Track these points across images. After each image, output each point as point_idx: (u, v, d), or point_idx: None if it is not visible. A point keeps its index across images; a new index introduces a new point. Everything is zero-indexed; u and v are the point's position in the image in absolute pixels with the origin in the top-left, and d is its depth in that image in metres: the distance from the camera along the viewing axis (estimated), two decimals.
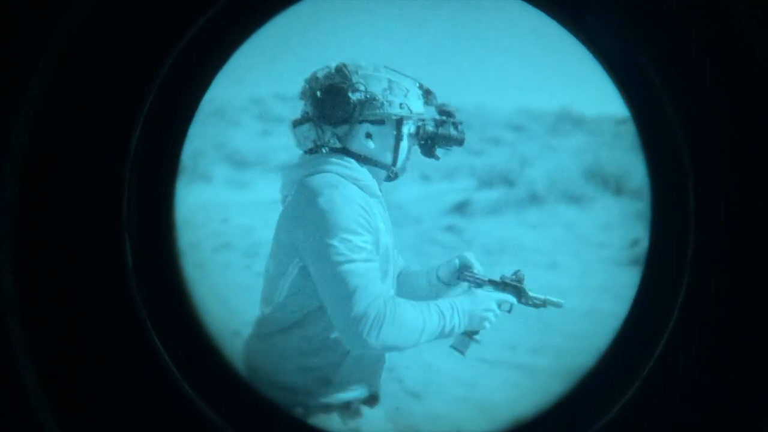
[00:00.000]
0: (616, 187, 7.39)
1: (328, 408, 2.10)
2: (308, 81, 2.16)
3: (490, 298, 2.19)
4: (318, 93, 2.12)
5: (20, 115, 1.71)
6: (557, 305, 2.30)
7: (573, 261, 5.94)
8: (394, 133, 2.15)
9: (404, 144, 2.17)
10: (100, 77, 1.79)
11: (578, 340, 4.60)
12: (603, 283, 5.42)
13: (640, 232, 6.40)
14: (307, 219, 2.01)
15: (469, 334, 2.18)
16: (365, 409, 2.18)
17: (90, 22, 1.73)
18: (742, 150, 1.76)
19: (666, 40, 1.77)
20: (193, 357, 1.93)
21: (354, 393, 2.15)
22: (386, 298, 1.99)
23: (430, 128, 2.19)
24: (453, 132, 2.21)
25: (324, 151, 2.13)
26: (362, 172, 2.11)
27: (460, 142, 2.22)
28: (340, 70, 2.13)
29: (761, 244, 1.77)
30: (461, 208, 6.90)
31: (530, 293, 2.25)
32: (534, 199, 7.28)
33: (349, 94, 2.09)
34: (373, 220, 2.05)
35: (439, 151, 2.22)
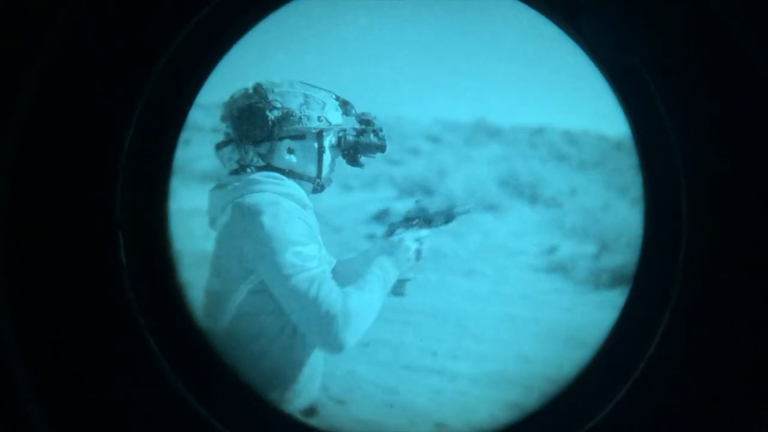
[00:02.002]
0: (531, 195, 7.55)
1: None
2: (227, 104, 2.20)
3: (401, 239, 2.28)
4: (236, 114, 2.16)
5: (13, 114, 1.67)
6: (465, 212, 2.42)
7: (490, 268, 6.04)
8: (315, 146, 2.20)
9: (327, 156, 2.21)
10: (94, 77, 1.76)
11: (497, 345, 4.68)
12: (520, 290, 5.52)
13: (556, 239, 6.55)
14: (254, 239, 2.06)
15: (402, 280, 2.30)
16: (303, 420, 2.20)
17: (83, 23, 1.70)
18: (736, 152, 1.79)
19: (659, 41, 1.80)
20: (186, 355, 1.90)
21: (296, 404, 2.18)
22: (342, 298, 2.07)
23: (351, 138, 2.24)
24: (374, 139, 2.27)
25: (249, 170, 2.14)
26: (293, 187, 2.15)
27: (382, 149, 2.28)
28: (257, 90, 2.17)
29: (754, 249, 1.80)
30: (381, 216, 6.94)
31: (435, 211, 2.36)
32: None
33: (267, 113, 2.14)
34: (314, 229, 2.12)
35: (363, 159, 2.26)
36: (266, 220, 2.05)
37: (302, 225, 2.08)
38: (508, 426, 2.06)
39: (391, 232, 2.31)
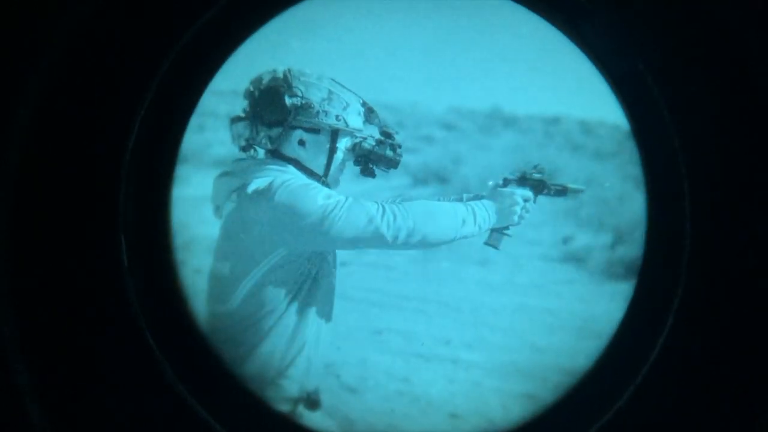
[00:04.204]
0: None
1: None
2: (252, 81, 2.17)
3: (512, 192, 2.27)
4: (256, 93, 2.15)
5: (17, 115, 1.67)
6: (578, 191, 2.41)
7: (504, 257, 6.02)
8: (328, 144, 2.17)
9: (338, 157, 2.18)
10: (97, 80, 1.76)
11: (510, 335, 4.67)
12: (534, 279, 5.51)
13: (571, 229, 6.52)
14: (276, 215, 2.06)
15: (500, 230, 2.28)
16: (306, 412, 2.19)
17: (87, 25, 1.71)
18: (738, 156, 1.80)
19: (663, 47, 1.80)
20: (187, 357, 1.92)
21: (297, 391, 2.17)
22: (384, 203, 2.09)
23: (366, 146, 2.21)
24: (389, 153, 2.23)
25: (257, 150, 2.15)
26: (299, 175, 2.14)
27: (395, 165, 2.24)
28: (284, 74, 2.15)
29: (757, 249, 1.80)
30: None
31: (550, 182, 2.35)
32: None
33: (286, 98, 2.12)
34: None
35: (376, 171, 2.24)
36: (282, 194, 2.06)
37: (312, 182, 2.11)
38: (524, 418, 2.05)
39: (504, 185, 2.30)
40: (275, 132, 2.14)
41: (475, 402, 3.74)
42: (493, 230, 2.30)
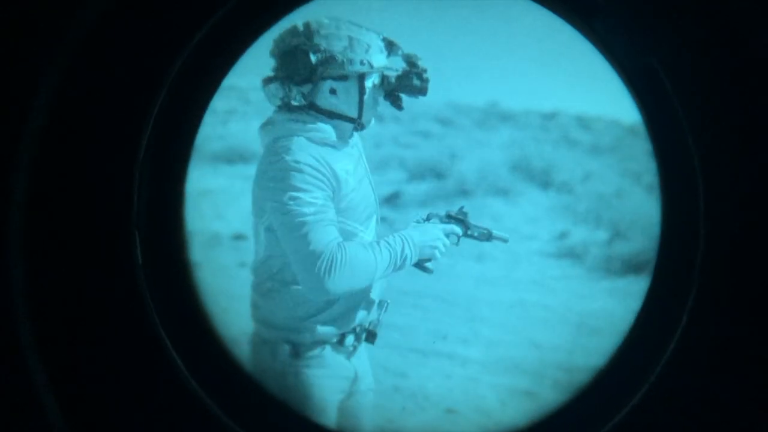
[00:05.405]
0: (543, 180, 7.53)
1: (320, 343, 2.25)
2: (275, 41, 2.23)
3: (437, 228, 2.33)
4: (282, 54, 2.21)
5: (31, 112, 1.68)
6: (502, 239, 2.44)
7: (501, 253, 6.02)
8: (357, 87, 2.23)
9: (368, 97, 2.25)
10: (111, 76, 1.77)
11: (507, 331, 4.68)
12: (530, 275, 5.51)
13: (568, 225, 6.52)
14: (265, 179, 2.16)
15: (421, 264, 2.31)
16: (361, 346, 2.36)
17: (101, 23, 1.71)
18: (752, 153, 1.80)
19: (677, 42, 1.80)
20: (201, 354, 1.94)
21: (341, 328, 2.28)
22: (336, 243, 2.13)
23: (393, 80, 2.27)
24: (416, 82, 2.30)
25: (292, 106, 2.22)
26: (326, 130, 2.21)
27: (423, 92, 2.32)
28: (304, 30, 2.20)
29: None
30: (392, 199, 6.92)
31: (475, 224, 2.39)
32: (463, 192, 7.37)
33: (310, 55, 2.18)
34: (329, 176, 2.17)
35: (405, 100, 2.32)
36: (276, 164, 2.13)
37: (309, 172, 2.14)
38: (537, 416, 2.06)
39: (427, 219, 2.35)
40: (306, 88, 2.21)
41: (472, 397, 3.75)
42: (414, 264, 2.36)
